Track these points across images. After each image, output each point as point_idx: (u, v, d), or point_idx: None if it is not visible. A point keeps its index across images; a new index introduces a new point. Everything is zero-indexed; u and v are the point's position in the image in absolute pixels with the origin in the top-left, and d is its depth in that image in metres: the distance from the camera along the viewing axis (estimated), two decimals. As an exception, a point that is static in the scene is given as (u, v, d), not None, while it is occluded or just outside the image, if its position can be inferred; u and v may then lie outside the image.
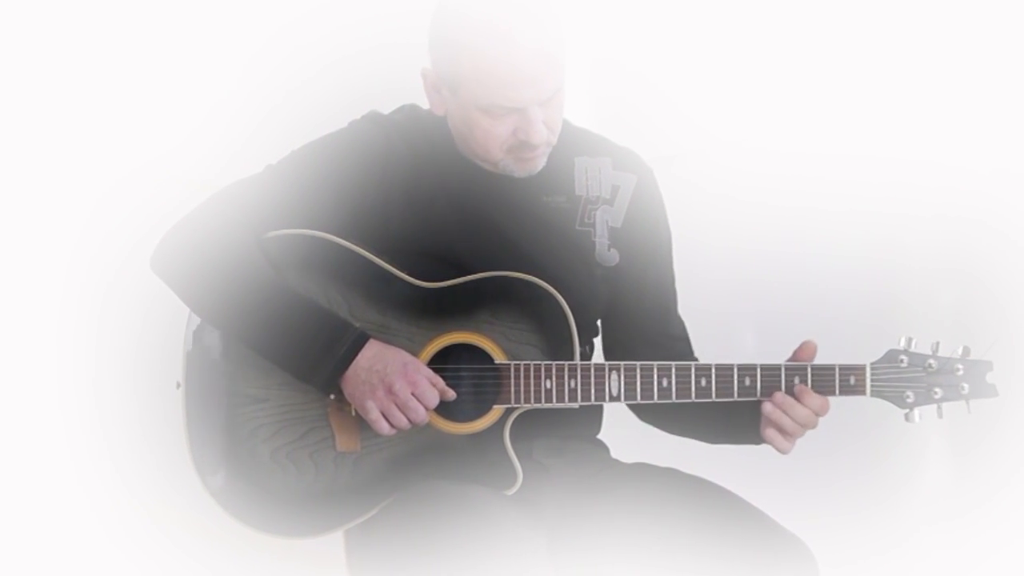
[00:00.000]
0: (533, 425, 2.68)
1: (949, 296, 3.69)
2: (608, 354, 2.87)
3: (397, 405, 2.57)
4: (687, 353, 2.87)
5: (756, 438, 2.70)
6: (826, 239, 3.76)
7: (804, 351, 2.65)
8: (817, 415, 2.61)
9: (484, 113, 2.62)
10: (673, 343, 2.87)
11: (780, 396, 2.61)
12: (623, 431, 2.89)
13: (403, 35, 3.21)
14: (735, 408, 2.68)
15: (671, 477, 2.72)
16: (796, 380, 2.61)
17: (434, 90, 2.70)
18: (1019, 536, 3.57)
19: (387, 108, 2.83)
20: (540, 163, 2.71)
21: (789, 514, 2.64)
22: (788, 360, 2.65)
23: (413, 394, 2.57)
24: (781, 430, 2.62)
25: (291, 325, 2.58)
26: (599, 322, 2.87)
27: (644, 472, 2.76)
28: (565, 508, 2.70)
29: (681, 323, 2.90)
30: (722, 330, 3.72)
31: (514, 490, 2.63)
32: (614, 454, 2.87)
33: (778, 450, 2.65)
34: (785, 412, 2.60)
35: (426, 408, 2.58)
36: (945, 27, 3.63)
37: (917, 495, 3.74)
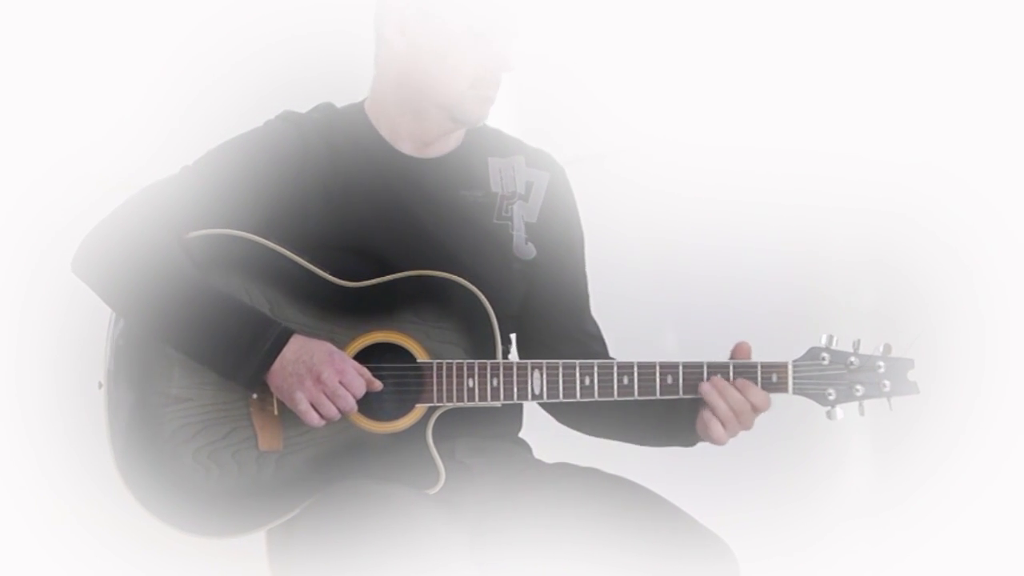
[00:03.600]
0: (455, 424, 2.68)
1: (871, 289, 3.72)
2: (524, 350, 2.87)
3: (326, 394, 2.56)
4: (602, 352, 2.87)
5: (684, 437, 2.71)
6: (749, 233, 3.77)
7: (739, 352, 2.66)
8: (756, 409, 2.61)
9: (462, 35, 2.67)
10: (589, 340, 2.88)
11: (718, 378, 2.62)
12: (545, 431, 2.89)
13: (320, 27, 3.22)
14: (665, 408, 2.69)
15: (592, 476, 2.72)
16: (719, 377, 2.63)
17: (398, 27, 2.72)
18: (937, 532, 3.60)
19: (305, 103, 2.83)
20: (488, 112, 2.75)
21: (709, 512, 2.65)
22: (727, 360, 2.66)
23: (341, 382, 2.56)
24: (715, 412, 2.61)
25: (214, 323, 2.57)
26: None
27: (565, 471, 2.76)
28: (487, 508, 2.70)
29: (595, 322, 2.91)
30: (645, 325, 3.73)
31: (436, 489, 2.63)
32: (536, 454, 2.87)
33: (712, 440, 2.64)
34: (721, 394, 2.60)
35: (354, 396, 2.58)
36: (868, 21, 3.65)
37: (837, 492, 3.76)
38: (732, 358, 2.66)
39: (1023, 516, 3.50)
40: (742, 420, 2.62)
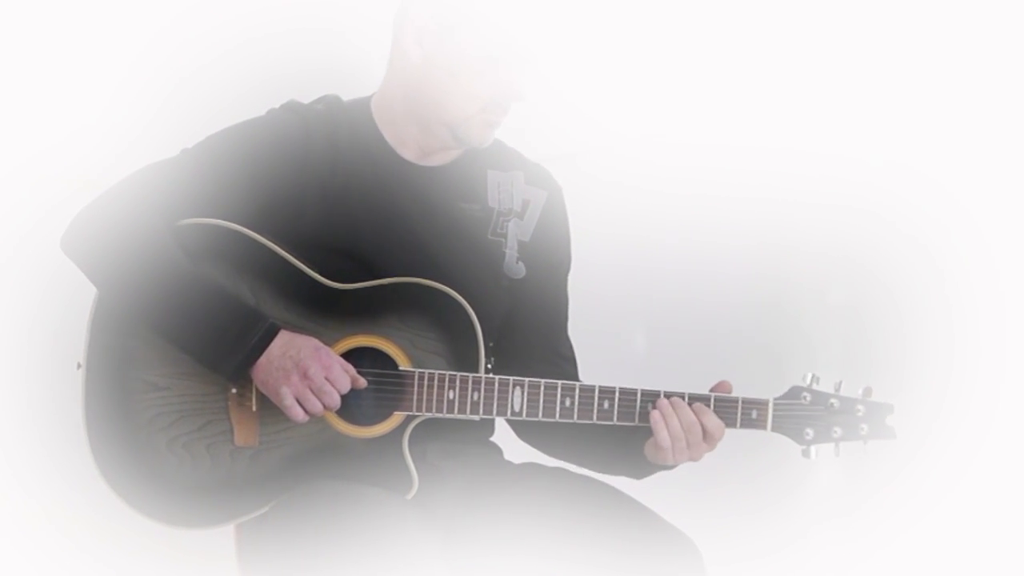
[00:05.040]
0: (428, 429, 2.67)
1: (841, 285, 3.72)
2: (498, 365, 2.85)
3: (312, 390, 2.55)
4: (574, 375, 2.88)
5: (634, 462, 2.71)
6: (720, 231, 3.76)
7: (720, 390, 2.65)
8: (708, 433, 2.59)
9: (479, 58, 2.65)
10: (562, 362, 2.88)
11: (665, 402, 2.61)
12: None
13: (296, 24, 3.19)
14: (623, 434, 2.68)
15: (560, 476, 2.73)
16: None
17: (415, 38, 2.70)
18: (906, 533, 3.61)
19: (277, 100, 2.81)
20: (492, 136, 2.74)
21: (677, 512, 2.66)
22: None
23: (327, 378, 2.56)
24: (657, 439, 2.59)
25: (203, 313, 2.56)
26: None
27: (534, 472, 2.77)
28: (458, 509, 2.71)
29: (570, 345, 2.92)
30: (617, 323, 3.72)
31: (409, 496, 2.62)
32: (506, 455, 2.88)
33: (659, 450, 2.62)
34: (664, 418, 2.60)
35: (339, 393, 2.57)
36: (837, 20, 3.64)
37: (805, 493, 3.77)
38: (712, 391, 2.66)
39: (992, 514, 3.51)
40: (691, 442, 2.60)
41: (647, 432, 2.62)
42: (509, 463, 2.84)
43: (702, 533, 2.64)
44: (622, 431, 2.66)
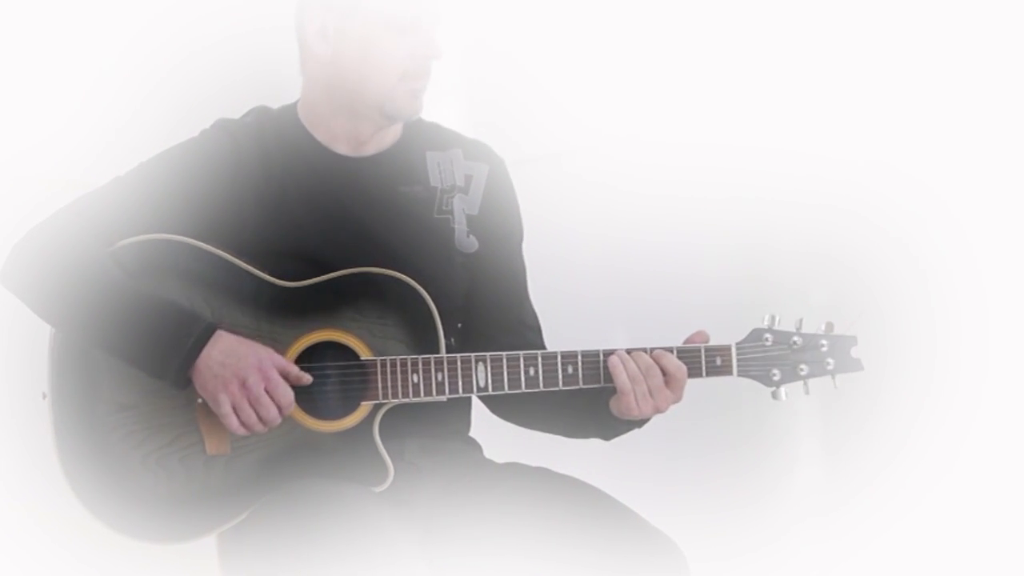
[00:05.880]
0: (403, 424, 2.67)
1: (821, 285, 3.71)
2: (465, 342, 2.86)
3: (249, 401, 2.55)
4: (539, 343, 2.88)
5: (603, 421, 2.71)
6: (701, 231, 3.75)
7: (696, 339, 2.66)
8: (667, 373, 2.59)
9: (385, 29, 2.67)
10: (526, 331, 2.87)
11: (623, 350, 2.61)
12: (495, 430, 2.89)
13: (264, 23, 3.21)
14: (590, 395, 2.68)
15: (543, 476, 2.73)
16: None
17: (318, 33, 2.72)
18: (886, 533, 3.59)
19: (253, 100, 2.84)
20: (421, 104, 2.75)
21: (660, 513, 2.66)
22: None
23: (266, 389, 2.55)
24: (616, 384, 2.60)
25: (139, 323, 2.55)
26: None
27: (516, 471, 2.77)
28: (438, 508, 2.71)
29: (534, 313, 2.91)
30: (599, 322, 3.72)
31: (385, 486, 2.62)
32: (486, 453, 2.87)
33: (621, 412, 2.62)
34: (622, 362, 2.60)
35: (279, 407, 2.56)
36: (819, 19, 3.65)
37: (787, 493, 3.74)
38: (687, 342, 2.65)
39: (974, 512, 3.49)
40: (652, 387, 2.60)
41: (613, 391, 2.63)
42: (490, 461, 2.84)
43: (684, 532, 2.64)
44: (589, 392, 2.66)
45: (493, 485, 2.70)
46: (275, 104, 2.86)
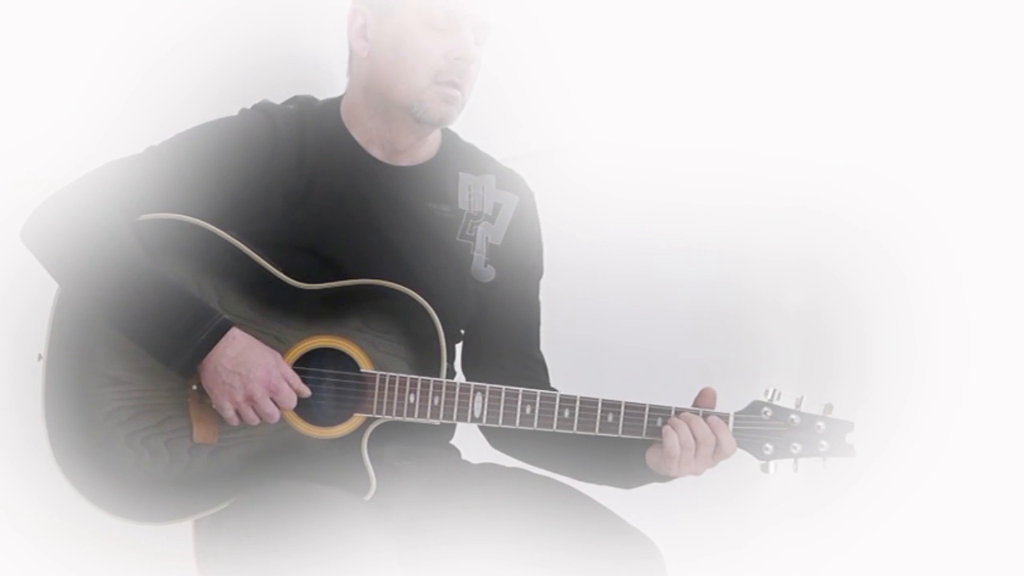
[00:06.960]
0: (386, 431, 2.67)
1: (798, 288, 3.72)
2: (468, 366, 2.87)
3: (254, 410, 2.56)
4: (544, 381, 2.88)
5: (627, 472, 2.70)
6: (679, 232, 3.74)
7: (704, 397, 2.65)
8: (720, 447, 2.58)
9: (421, 25, 2.66)
10: (535, 367, 2.88)
11: (686, 412, 2.60)
12: (474, 433, 2.87)
13: (267, 20, 3.17)
14: (613, 444, 2.67)
15: (519, 477, 2.74)
16: (659, 421, 2.62)
17: (359, 32, 2.72)
18: (864, 534, 3.62)
19: (243, 102, 2.80)
20: (455, 112, 2.72)
21: (637, 512, 2.67)
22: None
23: (272, 399, 2.56)
24: (677, 440, 2.58)
25: (154, 306, 2.54)
26: (461, 332, 2.88)
27: (492, 472, 2.78)
28: (416, 509, 2.72)
29: (541, 353, 2.91)
30: (581, 320, 3.71)
31: (367, 498, 2.62)
32: (464, 455, 2.88)
33: (657, 466, 2.62)
34: (675, 430, 2.58)
35: (280, 408, 2.58)
36: (795, 23, 3.64)
37: (765, 493, 3.78)
38: (696, 402, 2.65)
39: (952, 515, 3.52)
40: (700, 453, 2.58)
41: (641, 442, 2.63)
42: (468, 463, 2.85)
43: (661, 531, 2.65)
44: (615, 440, 2.65)
45: (470, 486, 2.72)
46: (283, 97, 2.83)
